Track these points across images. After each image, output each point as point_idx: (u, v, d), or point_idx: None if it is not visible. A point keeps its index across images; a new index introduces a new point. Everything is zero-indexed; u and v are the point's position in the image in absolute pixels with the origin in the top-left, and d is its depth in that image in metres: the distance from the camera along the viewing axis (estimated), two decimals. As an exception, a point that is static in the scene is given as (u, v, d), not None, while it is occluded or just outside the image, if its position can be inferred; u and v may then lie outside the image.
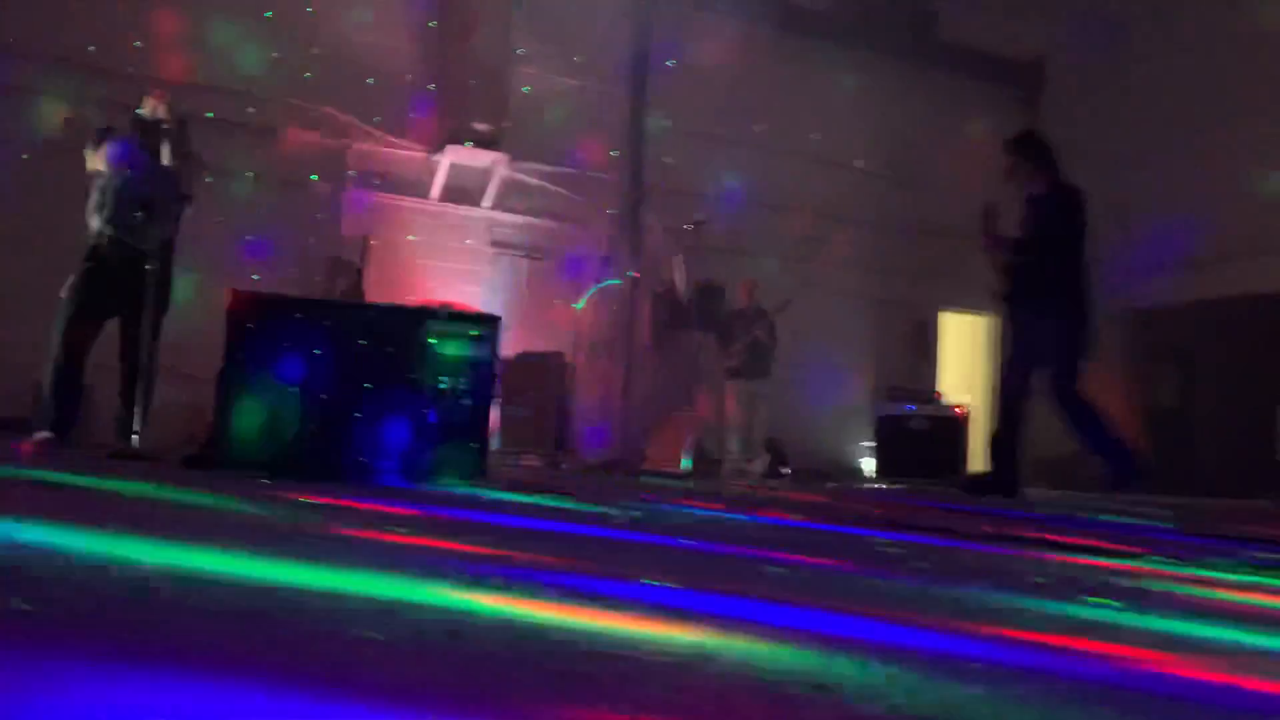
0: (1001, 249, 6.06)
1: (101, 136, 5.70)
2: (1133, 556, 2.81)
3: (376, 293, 9.42)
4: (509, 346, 8.50)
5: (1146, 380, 12.58)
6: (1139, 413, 12.44)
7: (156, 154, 5.54)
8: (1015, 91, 12.96)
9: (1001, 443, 6.07)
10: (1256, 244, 10.96)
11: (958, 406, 9.72)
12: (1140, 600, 1.99)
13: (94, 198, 5.68)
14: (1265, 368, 11.26)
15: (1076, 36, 12.75)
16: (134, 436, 5.10)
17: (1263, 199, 10.93)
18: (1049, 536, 3.30)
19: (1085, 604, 1.88)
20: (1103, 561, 2.70)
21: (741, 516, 3.83)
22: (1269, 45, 11.05)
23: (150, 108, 5.64)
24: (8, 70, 8.63)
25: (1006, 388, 6.16)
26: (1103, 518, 4.61)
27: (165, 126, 5.56)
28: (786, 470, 10.05)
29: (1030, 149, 6.15)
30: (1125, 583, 2.29)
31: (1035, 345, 5.96)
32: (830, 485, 9.08)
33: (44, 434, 5.34)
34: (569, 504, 3.58)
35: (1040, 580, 2.23)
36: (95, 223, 5.63)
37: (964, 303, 12.62)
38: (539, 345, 9.93)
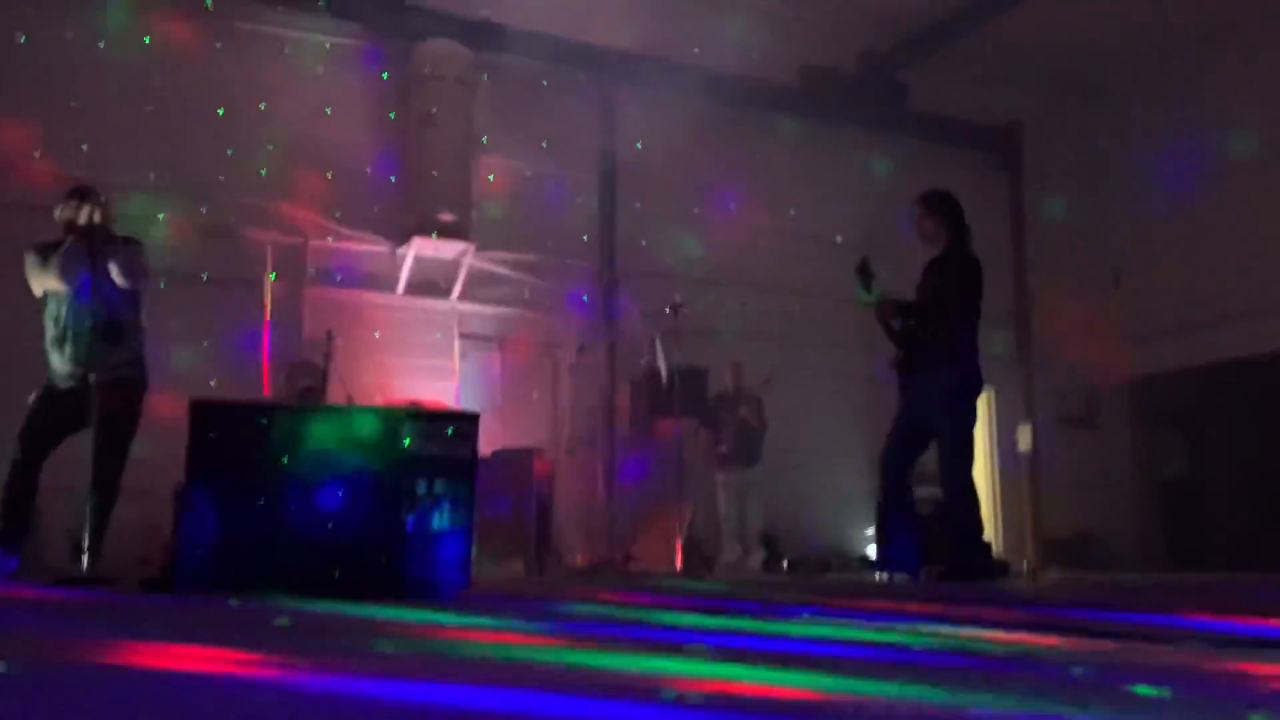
0: (894, 314, 5.73)
1: (44, 251, 5.18)
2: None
3: (342, 393, 8.92)
4: (483, 444, 7.95)
5: (1153, 450, 12.12)
6: (1147, 484, 11.99)
7: (100, 263, 5.02)
8: (993, 157, 12.68)
9: (961, 522, 5.46)
10: (1255, 304, 10.61)
11: (962, 487, 9.19)
12: None
13: (50, 330, 5.19)
14: (1276, 433, 10.80)
15: (1052, 101, 12.58)
16: (84, 559, 4.67)
17: (1257, 258, 10.64)
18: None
19: None
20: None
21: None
22: (1255, 97, 10.85)
23: (86, 212, 5.08)
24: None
25: (892, 461, 5.71)
26: None
27: (108, 233, 5.10)
28: (785, 562, 9.49)
29: (944, 206, 5.85)
30: None
31: (926, 417, 5.55)
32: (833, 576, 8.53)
33: None
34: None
35: None
36: (59, 363, 5.17)
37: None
38: (515, 441, 9.39)
